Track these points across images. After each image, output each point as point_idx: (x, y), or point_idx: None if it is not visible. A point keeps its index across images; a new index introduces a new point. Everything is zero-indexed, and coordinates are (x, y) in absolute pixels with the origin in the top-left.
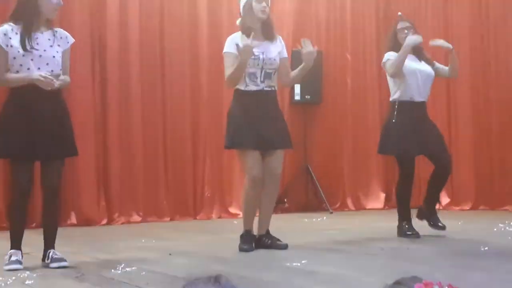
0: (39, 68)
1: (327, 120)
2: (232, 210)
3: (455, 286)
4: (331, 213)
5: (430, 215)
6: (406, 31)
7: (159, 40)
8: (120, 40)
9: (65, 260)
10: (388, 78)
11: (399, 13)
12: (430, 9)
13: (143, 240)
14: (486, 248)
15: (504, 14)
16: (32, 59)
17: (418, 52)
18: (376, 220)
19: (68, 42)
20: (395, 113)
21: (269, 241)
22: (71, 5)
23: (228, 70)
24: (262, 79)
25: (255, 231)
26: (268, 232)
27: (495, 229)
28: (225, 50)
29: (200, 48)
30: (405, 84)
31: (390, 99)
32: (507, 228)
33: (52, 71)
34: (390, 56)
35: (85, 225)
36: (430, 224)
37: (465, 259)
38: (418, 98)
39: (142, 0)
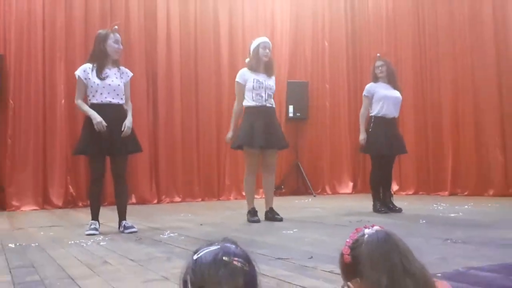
0: (108, 93)
1: (312, 131)
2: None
3: (381, 227)
4: (315, 196)
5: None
6: (380, 68)
7: (194, 68)
8: (166, 72)
9: (134, 227)
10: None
11: (378, 54)
12: (385, 32)
13: (182, 215)
14: (424, 221)
15: (436, 31)
16: (103, 87)
17: (392, 82)
18: (346, 201)
19: (128, 76)
20: (371, 124)
21: (271, 215)
22: (133, 49)
23: (238, 96)
24: (266, 98)
25: (262, 209)
26: (271, 208)
27: (430, 208)
28: (236, 79)
29: (223, 77)
30: (380, 106)
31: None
32: (438, 207)
33: (117, 98)
34: (366, 90)
35: (141, 204)
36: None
37: (409, 228)
38: (389, 116)
39: (182, 44)
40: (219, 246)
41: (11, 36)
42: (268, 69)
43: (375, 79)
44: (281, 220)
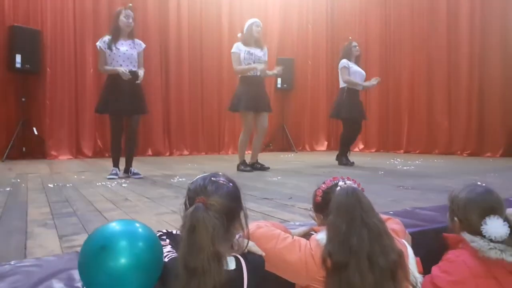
0: (123, 60)
1: (296, 100)
2: None
3: (352, 179)
4: (296, 152)
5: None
6: (357, 47)
7: (199, 42)
8: (176, 46)
9: (140, 174)
10: (340, 75)
11: (350, 37)
12: (357, 18)
13: (189, 165)
14: (382, 172)
15: (399, 17)
16: (119, 55)
17: (358, 61)
18: (321, 156)
19: (141, 46)
20: (345, 94)
21: (259, 166)
22: (149, 25)
23: (235, 64)
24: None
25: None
26: (257, 161)
27: (387, 163)
28: (232, 50)
29: (223, 50)
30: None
31: (340, 86)
32: (395, 162)
33: (130, 65)
34: (344, 63)
35: (156, 156)
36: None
37: (370, 178)
38: (358, 88)
39: (190, 21)
40: (209, 173)
41: (47, 15)
42: (258, 44)
43: (349, 56)
44: (268, 169)
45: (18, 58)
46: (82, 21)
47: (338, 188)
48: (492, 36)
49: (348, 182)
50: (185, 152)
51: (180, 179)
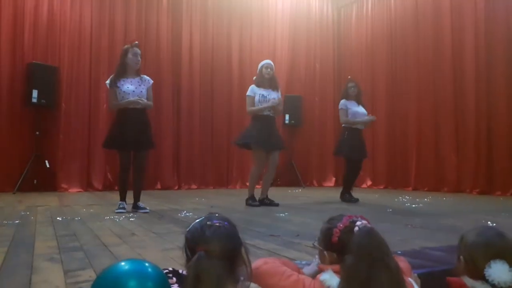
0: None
1: (304, 136)
2: (247, 183)
3: (366, 218)
4: (304, 187)
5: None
6: (352, 88)
7: (210, 81)
8: (188, 83)
9: (147, 208)
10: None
11: (349, 76)
12: (364, 57)
13: (196, 199)
14: (390, 210)
15: (405, 57)
16: (129, 94)
17: (359, 100)
18: (329, 192)
19: (149, 82)
20: (346, 133)
21: (268, 201)
22: (162, 64)
23: (249, 106)
24: (269, 109)
25: (257, 197)
26: (267, 196)
27: (396, 200)
28: (247, 94)
29: (233, 89)
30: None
31: (342, 125)
32: (403, 199)
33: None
34: (342, 104)
35: (165, 189)
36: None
37: (378, 215)
38: (359, 127)
39: (201, 62)
40: (204, 217)
41: (65, 52)
42: (272, 85)
43: (347, 97)
44: (277, 205)
45: (35, 93)
46: (98, 58)
47: (357, 228)
48: (498, 71)
49: (363, 221)
50: (193, 186)
51: (187, 214)
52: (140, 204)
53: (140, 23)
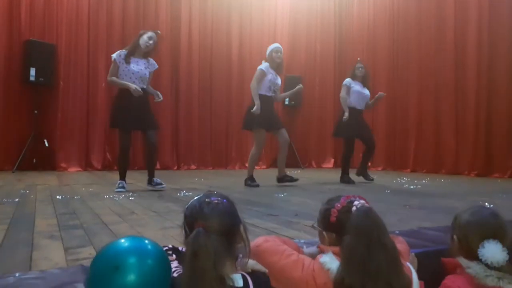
0: (136, 79)
1: (303, 117)
2: (247, 164)
3: (362, 197)
4: (303, 168)
5: (363, 173)
6: (360, 69)
7: (209, 63)
8: (186, 64)
9: (163, 184)
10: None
11: (358, 58)
12: (365, 39)
13: (196, 179)
14: (388, 191)
15: (407, 40)
16: (132, 73)
17: (365, 82)
18: (327, 173)
19: (154, 67)
20: (345, 113)
21: (288, 178)
22: (161, 47)
23: (256, 81)
24: (272, 91)
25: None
26: (286, 173)
27: (394, 181)
28: (261, 67)
29: (232, 70)
30: (353, 99)
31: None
32: (401, 181)
33: (142, 84)
34: (346, 81)
35: (164, 170)
36: (365, 178)
37: (376, 195)
38: (358, 107)
39: (200, 44)
40: (202, 194)
41: (62, 30)
42: (279, 69)
43: (353, 77)
44: (297, 179)
45: (33, 71)
46: (96, 36)
47: (354, 208)
48: (500, 52)
49: (361, 201)
50: (193, 167)
51: (186, 193)
52: (156, 179)
53: (138, 1)
